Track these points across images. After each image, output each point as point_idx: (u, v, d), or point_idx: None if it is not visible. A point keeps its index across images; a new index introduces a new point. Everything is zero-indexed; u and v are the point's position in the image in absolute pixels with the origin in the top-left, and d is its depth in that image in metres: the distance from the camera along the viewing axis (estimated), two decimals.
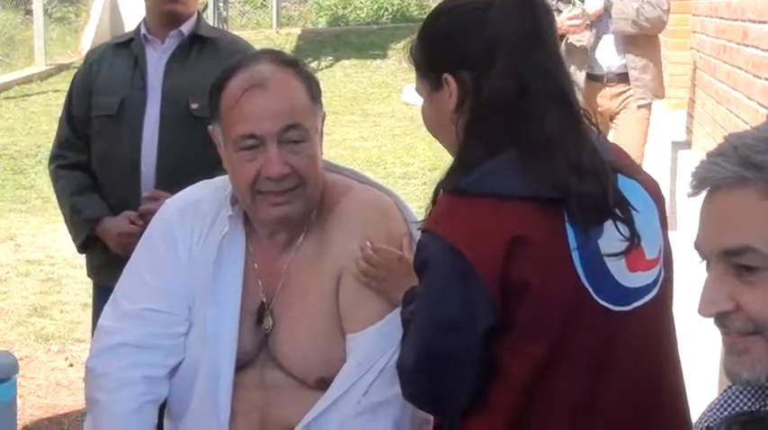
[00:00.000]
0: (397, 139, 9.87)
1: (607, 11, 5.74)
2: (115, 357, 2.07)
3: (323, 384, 1.99)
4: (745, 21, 4.46)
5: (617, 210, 1.68)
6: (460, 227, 1.66)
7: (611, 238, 1.68)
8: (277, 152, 1.94)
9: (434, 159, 8.64)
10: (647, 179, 1.83)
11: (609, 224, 1.68)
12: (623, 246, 1.68)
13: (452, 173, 1.73)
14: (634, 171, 1.81)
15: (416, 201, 7.09)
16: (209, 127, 2.07)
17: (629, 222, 1.69)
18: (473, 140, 1.72)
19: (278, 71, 1.99)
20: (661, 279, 1.78)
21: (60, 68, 12.67)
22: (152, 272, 2.10)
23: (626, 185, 1.73)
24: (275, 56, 2.06)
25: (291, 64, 2.03)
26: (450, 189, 1.71)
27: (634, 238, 1.69)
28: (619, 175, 1.73)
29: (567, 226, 1.66)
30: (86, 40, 13.28)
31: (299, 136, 1.96)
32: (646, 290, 1.74)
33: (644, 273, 1.74)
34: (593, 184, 1.67)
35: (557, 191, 1.65)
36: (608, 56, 5.87)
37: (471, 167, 1.69)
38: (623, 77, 5.85)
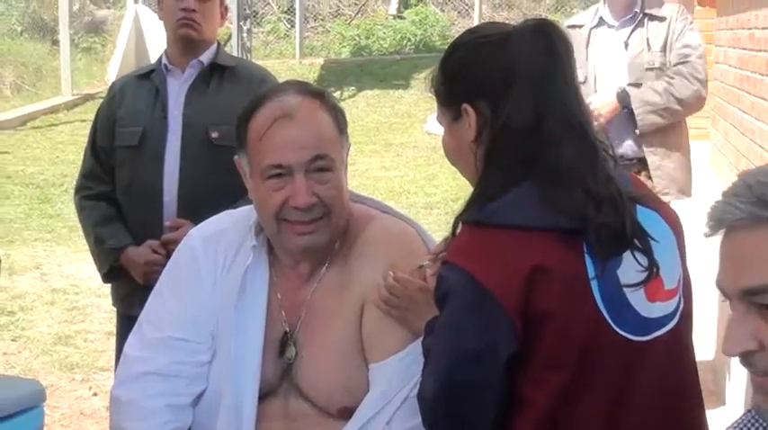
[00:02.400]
0: (420, 169, 9.88)
1: (622, 102, 4.22)
2: (140, 386, 2.08)
3: (346, 414, 1.99)
4: None
5: (635, 241, 1.69)
6: (480, 258, 1.67)
7: (629, 269, 1.69)
8: (304, 182, 1.95)
9: (457, 189, 8.64)
10: (666, 210, 1.84)
11: (627, 254, 1.69)
12: (642, 276, 1.69)
13: (471, 204, 1.75)
14: (653, 201, 1.82)
15: (439, 231, 7.08)
16: (235, 157, 2.08)
17: (648, 252, 1.69)
18: (491, 170, 1.74)
19: (305, 102, 2.01)
20: (680, 309, 1.78)
21: (86, 98, 12.81)
22: (177, 300, 2.12)
23: (645, 215, 1.74)
24: (302, 87, 2.08)
25: (318, 95, 2.05)
26: (470, 221, 1.73)
27: (653, 268, 1.69)
28: (637, 206, 1.74)
29: (586, 256, 1.67)
30: (112, 71, 13.42)
31: (326, 166, 1.98)
32: (665, 320, 1.74)
33: (663, 303, 1.74)
34: (610, 215, 1.67)
35: (575, 221, 1.66)
36: (618, 135, 4.26)
37: (490, 198, 1.70)
38: (639, 164, 4.30)
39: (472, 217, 1.72)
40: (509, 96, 1.72)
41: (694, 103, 4.30)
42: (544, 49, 1.74)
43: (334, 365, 2.01)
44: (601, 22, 4.37)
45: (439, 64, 1.85)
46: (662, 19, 4.29)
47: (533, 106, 1.71)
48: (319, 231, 1.99)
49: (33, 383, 2.05)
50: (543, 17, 1.86)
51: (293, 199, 1.96)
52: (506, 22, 1.91)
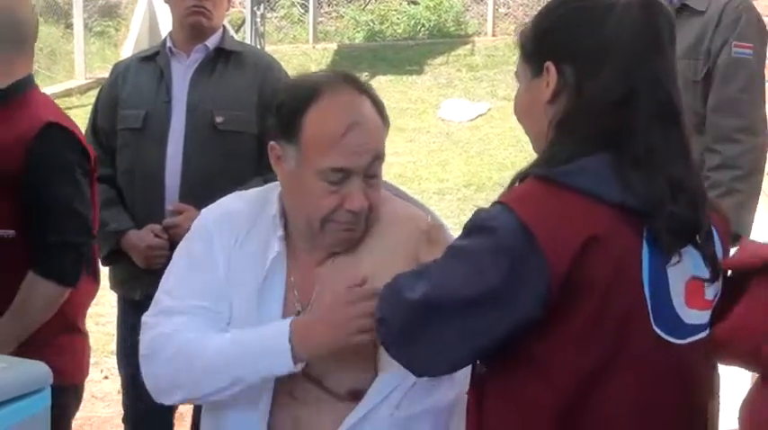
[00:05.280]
0: (433, 155, 9.86)
1: None
2: (164, 339, 2.02)
3: (355, 396, 1.99)
4: None
5: (700, 245, 1.63)
6: (540, 210, 1.61)
7: (683, 268, 1.64)
8: (362, 186, 1.96)
9: (469, 176, 8.62)
10: (718, 218, 1.77)
11: (686, 251, 1.63)
12: (706, 274, 1.65)
13: (538, 165, 1.69)
14: (710, 208, 1.74)
15: (451, 217, 7.05)
16: (271, 142, 2.05)
17: (712, 256, 1.65)
18: (564, 139, 1.68)
19: (366, 104, 1.99)
20: (709, 324, 1.71)
21: (100, 82, 12.65)
22: (193, 272, 2.08)
23: None
24: (353, 81, 2.03)
25: (367, 91, 2.03)
26: (540, 174, 1.66)
27: (715, 273, 1.65)
28: None
29: (644, 242, 1.62)
30: (125, 54, 13.39)
31: (377, 170, 1.99)
32: (699, 329, 1.69)
33: (699, 311, 1.69)
34: (685, 207, 1.62)
35: (644, 203, 1.61)
36: None
37: (559, 164, 1.64)
38: None
39: (542, 171, 1.66)
40: (601, 68, 1.65)
41: (758, 158, 3.24)
42: (649, 26, 1.67)
43: (342, 347, 1.99)
44: None
45: (534, 18, 1.79)
46: (700, 14, 3.26)
47: (627, 83, 1.64)
48: (357, 228, 2.02)
49: (39, 365, 2.03)
50: None
51: (350, 202, 1.96)
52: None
